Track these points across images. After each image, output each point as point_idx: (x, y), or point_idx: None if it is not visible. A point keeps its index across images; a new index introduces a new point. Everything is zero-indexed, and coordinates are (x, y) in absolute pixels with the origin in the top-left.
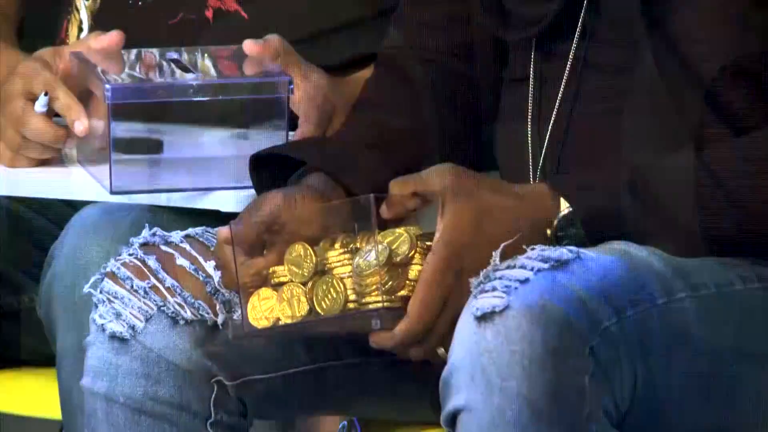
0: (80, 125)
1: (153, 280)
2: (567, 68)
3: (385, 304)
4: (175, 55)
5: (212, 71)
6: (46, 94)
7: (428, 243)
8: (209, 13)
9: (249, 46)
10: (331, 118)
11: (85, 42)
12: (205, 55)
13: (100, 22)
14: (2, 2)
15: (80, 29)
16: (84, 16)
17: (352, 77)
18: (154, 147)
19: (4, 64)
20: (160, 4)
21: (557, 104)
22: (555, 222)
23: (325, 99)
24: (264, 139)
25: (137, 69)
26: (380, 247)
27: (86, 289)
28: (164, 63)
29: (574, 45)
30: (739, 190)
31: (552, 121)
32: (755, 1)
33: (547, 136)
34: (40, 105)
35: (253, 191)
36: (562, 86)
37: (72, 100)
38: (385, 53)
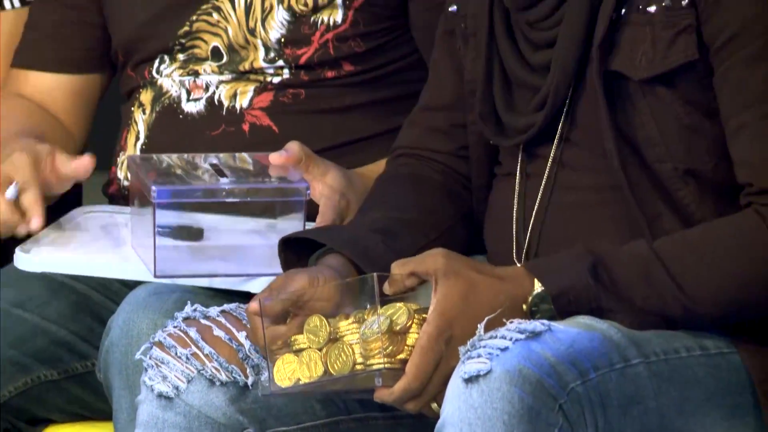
0: (35, 223)
1: (194, 348)
2: (547, 167)
3: (387, 365)
4: (214, 160)
5: (248, 160)
6: (16, 185)
7: (424, 315)
8: (246, 127)
9: (274, 158)
10: (346, 210)
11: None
12: (243, 154)
13: (153, 133)
14: (70, 125)
15: (137, 138)
16: (141, 127)
17: (366, 170)
18: (195, 234)
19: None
20: (205, 119)
21: (539, 197)
22: (530, 299)
23: (341, 195)
24: (290, 230)
25: (185, 165)
26: (382, 318)
27: (138, 355)
28: (207, 165)
29: (554, 147)
30: (683, 275)
31: (534, 212)
32: (706, 113)
33: (530, 225)
34: (9, 193)
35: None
36: (543, 182)
37: (36, 201)
38: (395, 154)
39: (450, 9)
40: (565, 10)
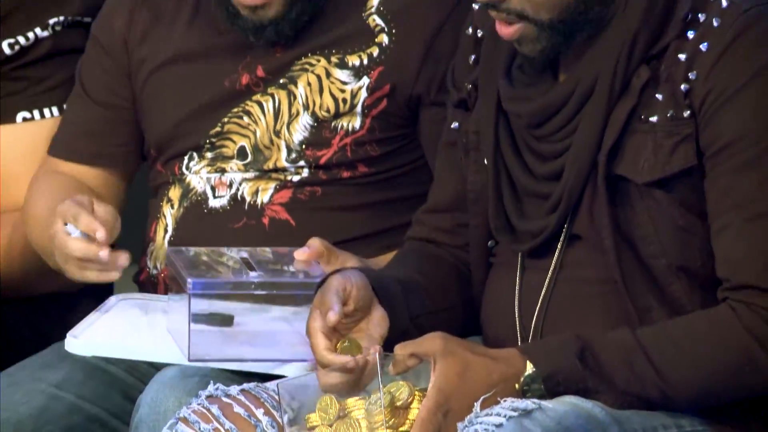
0: (100, 234)
1: (216, 424)
2: (552, 262)
3: None
4: (245, 255)
5: (270, 255)
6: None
7: (424, 393)
8: (266, 220)
9: (299, 254)
10: None
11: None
12: (266, 250)
13: (180, 226)
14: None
15: (165, 230)
16: (169, 220)
17: (381, 260)
18: (227, 321)
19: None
20: (228, 213)
21: (544, 289)
22: (522, 379)
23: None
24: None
25: (213, 254)
26: (385, 393)
27: (164, 430)
28: (236, 258)
29: (560, 244)
30: (662, 363)
31: (539, 302)
32: (699, 214)
33: (535, 313)
34: (70, 230)
35: (302, 363)
36: (548, 276)
37: (90, 220)
38: (409, 240)
39: (452, 126)
40: (581, 120)
